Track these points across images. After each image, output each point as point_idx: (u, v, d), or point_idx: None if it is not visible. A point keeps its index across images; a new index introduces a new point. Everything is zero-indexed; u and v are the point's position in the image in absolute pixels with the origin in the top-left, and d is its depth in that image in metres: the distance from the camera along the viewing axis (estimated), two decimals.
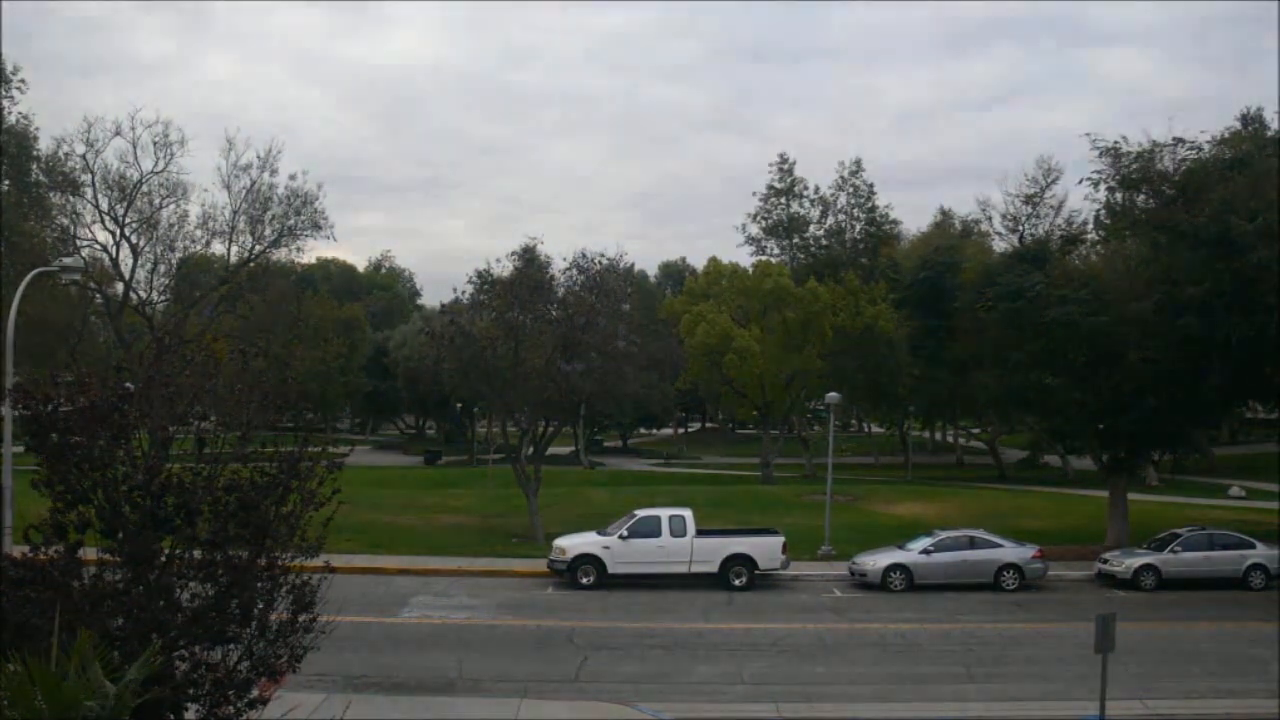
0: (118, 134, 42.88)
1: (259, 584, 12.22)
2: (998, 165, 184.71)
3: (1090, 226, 41.29)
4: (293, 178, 46.11)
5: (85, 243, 44.17)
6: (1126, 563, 32.90)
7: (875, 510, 49.07)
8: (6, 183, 42.52)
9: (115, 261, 44.53)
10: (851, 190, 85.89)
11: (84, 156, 42.85)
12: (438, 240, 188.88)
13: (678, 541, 31.92)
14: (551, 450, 48.70)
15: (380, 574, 32.20)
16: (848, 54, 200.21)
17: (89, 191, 43.35)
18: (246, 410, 12.80)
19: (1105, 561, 33.67)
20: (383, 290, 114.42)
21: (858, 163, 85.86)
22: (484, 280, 38.91)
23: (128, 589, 11.53)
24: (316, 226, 45.33)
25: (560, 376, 38.03)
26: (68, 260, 27.93)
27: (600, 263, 39.21)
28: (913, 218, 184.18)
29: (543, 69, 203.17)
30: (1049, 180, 56.65)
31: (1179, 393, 35.67)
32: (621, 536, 32.06)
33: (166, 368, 12.75)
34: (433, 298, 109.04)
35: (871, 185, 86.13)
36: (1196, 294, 32.74)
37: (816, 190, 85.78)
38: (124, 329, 44.83)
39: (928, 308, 43.99)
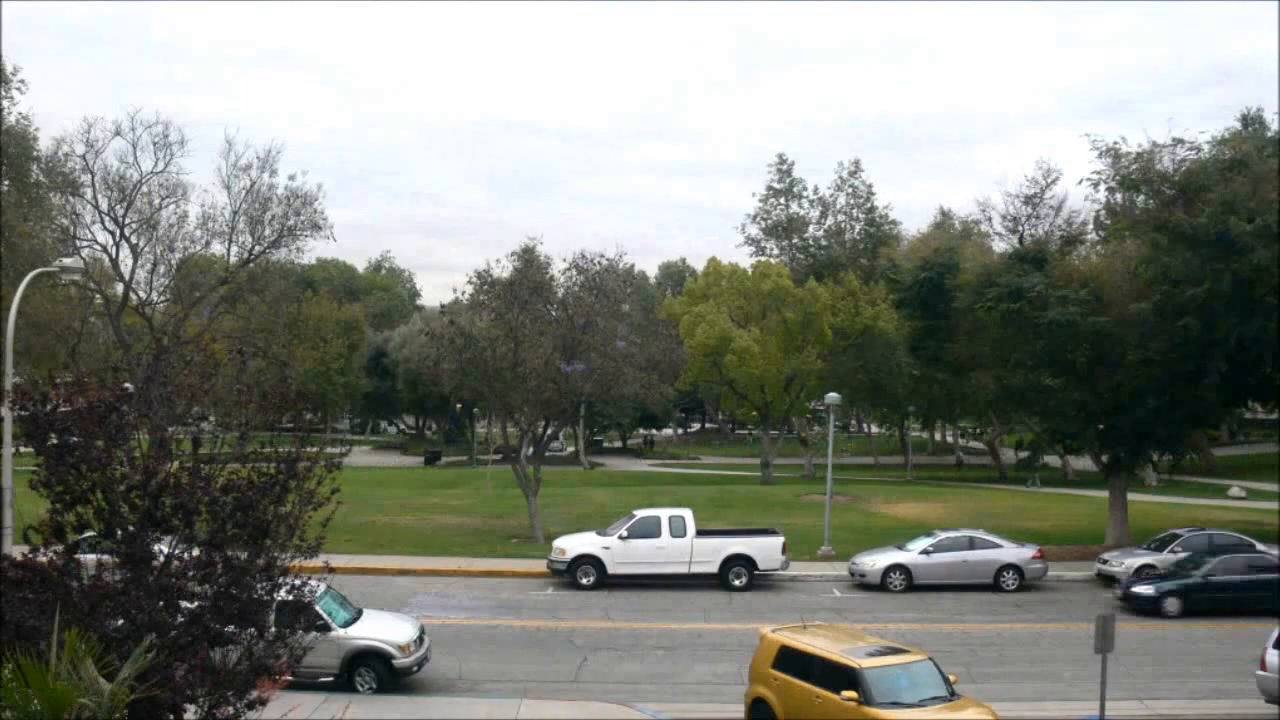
0: (118, 134, 42.75)
1: (258, 584, 12.22)
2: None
3: (1090, 227, 41.29)
4: (292, 178, 45.91)
5: (85, 243, 43.99)
6: (1126, 563, 32.86)
7: (875, 510, 49.11)
8: (6, 183, 42.41)
9: (115, 262, 44.38)
10: (850, 191, 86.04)
11: (84, 157, 42.69)
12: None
13: (677, 542, 31.90)
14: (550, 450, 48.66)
15: (380, 574, 32.18)
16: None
17: (89, 192, 43.21)
18: (245, 410, 12.80)
19: (1105, 561, 33.67)
20: (383, 291, 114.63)
21: (856, 163, 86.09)
22: (484, 281, 38.89)
23: (126, 589, 11.52)
24: (316, 227, 45.10)
25: (560, 377, 38.03)
26: (68, 260, 27.84)
27: (600, 263, 39.20)
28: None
29: None
30: (1049, 180, 56.61)
31: (1179, 393, 35.69)
32: (621, 537, 32.04)
33: (165, 368, 12.75)
34: (432, 298, 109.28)
35: (870, 186, 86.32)
36: (1196, 294, 32.76)
37: (816, 191, 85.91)
38: (124, 329, 44.71)
39: (928, 308, 43.83)
